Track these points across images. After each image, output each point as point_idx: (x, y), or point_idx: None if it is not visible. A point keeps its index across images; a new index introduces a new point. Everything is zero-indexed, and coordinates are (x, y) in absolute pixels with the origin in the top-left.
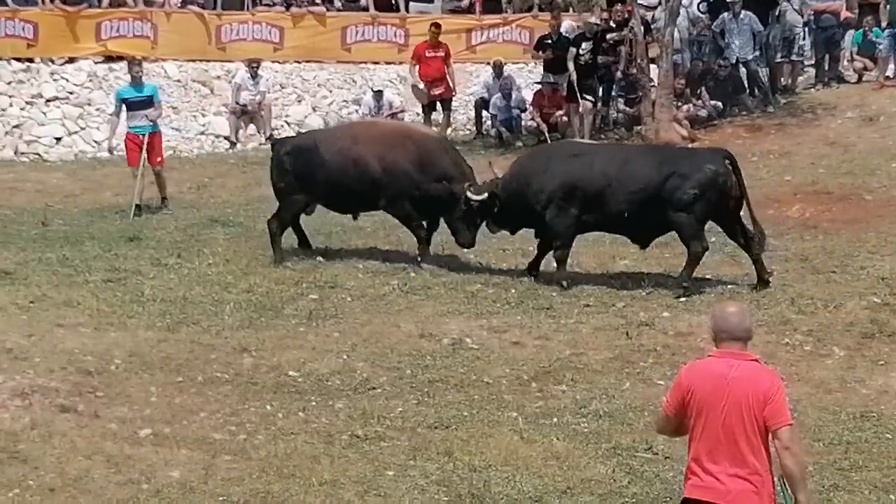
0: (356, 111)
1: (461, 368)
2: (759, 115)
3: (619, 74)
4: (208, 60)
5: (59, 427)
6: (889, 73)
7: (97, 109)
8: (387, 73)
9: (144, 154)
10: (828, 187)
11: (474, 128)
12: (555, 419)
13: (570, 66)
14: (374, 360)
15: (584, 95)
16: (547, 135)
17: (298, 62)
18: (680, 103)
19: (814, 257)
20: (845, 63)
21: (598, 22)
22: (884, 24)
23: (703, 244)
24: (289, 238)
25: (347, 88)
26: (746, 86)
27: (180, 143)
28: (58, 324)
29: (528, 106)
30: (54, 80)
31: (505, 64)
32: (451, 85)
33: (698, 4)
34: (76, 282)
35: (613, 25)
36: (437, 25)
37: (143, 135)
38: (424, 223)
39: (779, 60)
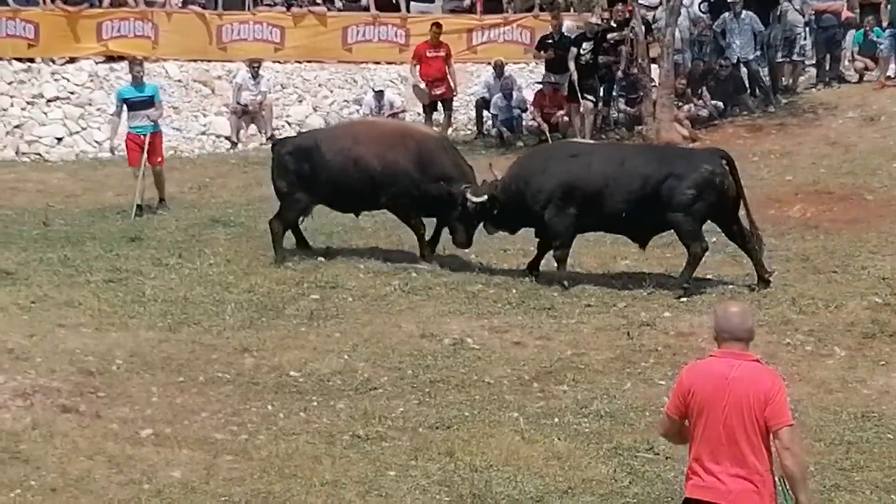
0: (357, 111)
1: (462, 368)
2: (760, 115)
3: (619, 74)
4: (209, 60)
5: (60, 427)
6: (890, 72)
7: (98, 109)
8: (388, 73)
9: (145, 154)
10: (829, 187)
11: (475, 128)
12: (556, 419)
13: (571, 65)
14: (375, 360)
15: (585, 95)
16: (548, 135)
17: (299, 62)
18: (681, 103)
19: (815, 257)
20: (846, 63)
21: (599, 22)
22: (885, 24)
23: (702, 244)
24: (288, 239)
25: (348, 88)
26: (747, 86)
27: (181, 143)
28: (59, 324)
29: (529, 106)
30: (55, 80)
31: (506, 64)
32: (452, 85)
33: (699, 4)
34: (77, 282)
35: (614, 25)
36: (439, 25)
37: (145, 135)
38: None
39: (780, 60)
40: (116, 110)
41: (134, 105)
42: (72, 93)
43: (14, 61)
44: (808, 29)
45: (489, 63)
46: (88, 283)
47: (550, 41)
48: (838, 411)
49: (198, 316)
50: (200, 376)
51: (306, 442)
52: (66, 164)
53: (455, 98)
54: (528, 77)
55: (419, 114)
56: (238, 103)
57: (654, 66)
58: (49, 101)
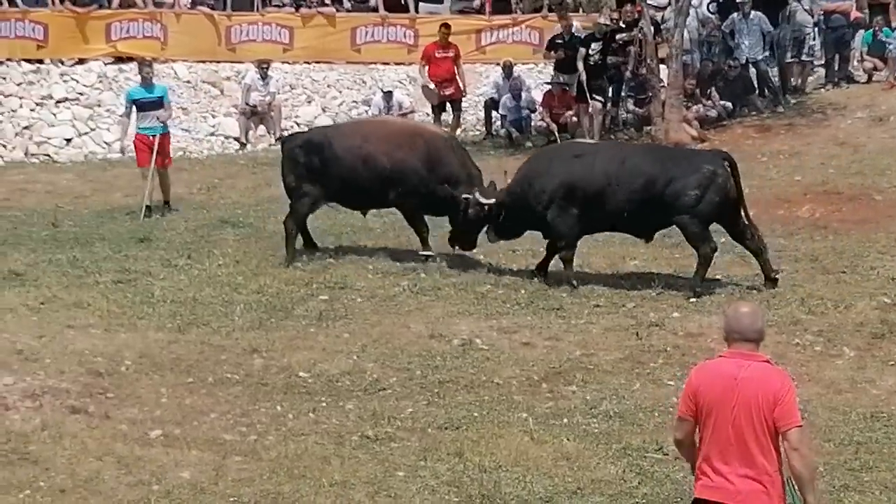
0: (366, 112)
1: (471, 369)
2: (769, 116)
3: (628, 75)
4: (218, 61)
5: (69, 428)
6: None
7: (107, 110)
8: (396, 74)
9: (154, 155)
10: (838, 187)
11: (484, 128)
12: (565, 420)
13: (580, 66)
14: (384, 360)
15: (594, 96)
16: (557, 135)
17: (308, 63)
18: (690, 104)
19: (824, 257)
20: (855, 63)
21: (608, 22)
22: (894, 25)
23: (711, 245)
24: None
25: (357, 89)
26: (756, 86)
27: (190, 144)
28: (68, 325)
29: (537, 106)
30: (64, 81)
31: (514, 64)
32: (461, 86)
33: (708, 5)
34: (86, 283)
35: (623, 26)
36: (448, 26)
37: (154, 136)
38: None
39: (789, 61)
40: (126, 111)
41: (143, 106)
42: (81, 94)
43: (23, 62)
44: (817, 29)
45: (498, 63)
46: (97, 283)
47: (560, 41)
48: (847, 412)
49: (207, 317)
50: (210, 377)
51: (315, 442)
52: (74, 165)
53: (464, 98)
54: (537, 77)
55: (428, 114)
56: (247, 104)
57: (662, 67)
58: (58, 102)
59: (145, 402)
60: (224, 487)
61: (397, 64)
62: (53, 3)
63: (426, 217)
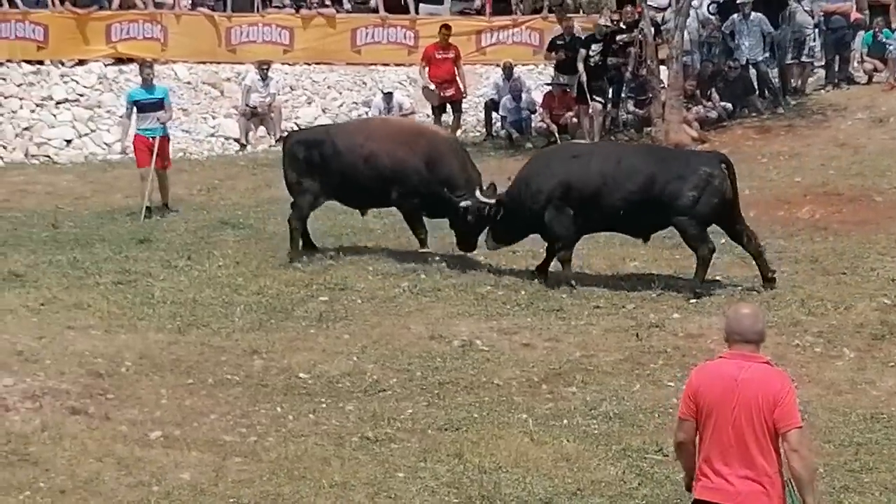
0: (366, 113)
1: (471, 370)
2: (769, 117)
3: (628, 76)
4: (218, 62)
5: (69, 429)
6: None
7: (107, 111)
8: (397, 75)
9: (154, 157)
10: (838, 189)
11: (484, 129)
12: (565, 421)
13: (580, 67)
14: (384, 361)
15: (594, 97)
16: (557, 136)
17: (308, 64)
18: (690, 105)
19: (824, 259)
20: (855, 64)
21: (608, 23)
22: (894, 26)
23: (709, 246)
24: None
25: (357, 90)
26: (756, 87)
27: (190, 145)
28: (68, 326)
29: (537, 107)
30: (64, 82)
31: (515, 65)
32: (461, 87)
33: (708, 6)
34: (86, 284)
35: (623, 27)
36: (448, 27)
37: (154, 137)
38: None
39: (789, 62)
40: (127, 112)
41: (144, 107)
42: (81, 95)
43: (23, 63)
44: (817, 30)
45: (498, 65)
46: (97, 285)
47: (561, 42)
48: (847, 413)
49: (207, 318)
50: (209, 378)
51: (315, 444)
52: (75, 166)
53: (464, 100)
54: (537, 79)
55: (428, 115)
56: (247, 105)
57: (662, 68)
58: (58, 103)
59: (145, 404)
60: (224, 489)
61: (397, 65)
62: (54, 4)
63: (426, 219)
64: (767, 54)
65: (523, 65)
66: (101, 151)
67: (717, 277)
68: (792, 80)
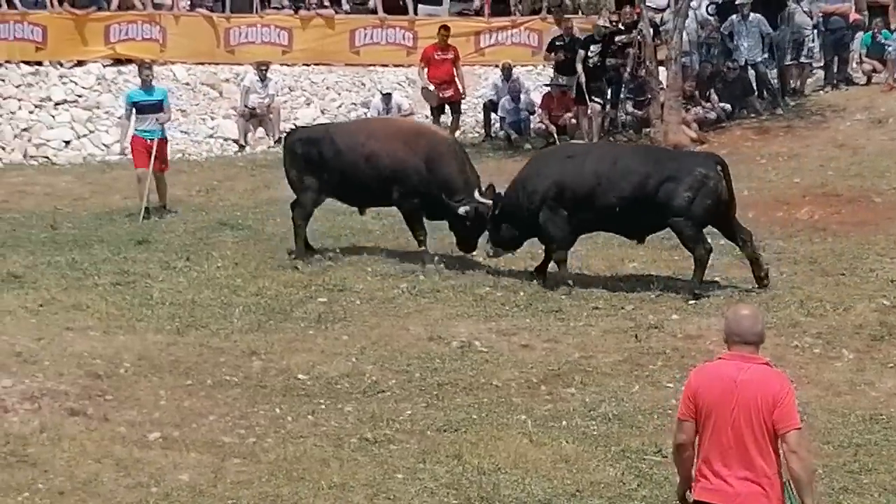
0: (365, 114)
1: (470, 371)
2: (768, 118)
3: (627, 77)
4: (217, 63)
5: (68, 430)
6: None
7: (106, 112)
8: (395, 76)
9: (153, 159)
10: (837, 189)
11: (483, 130)
12: (564, 422)
13: (579, 68)
14: (383, 363)
15: (593, 98)
16: (556, 137)
17: (307, 65)
18: (689, 106)
19: (823, 260)
20: (854, 65)
21: (607, 24)
22: (893, 27)
23: (705, 246)
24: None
25: (356, 91)
26: (755, 88)
27: (189, 146)
28: (67, 327)
29: (536, 108)
30: (63, 83)
31: (513, 66)
32: (460, 88)
33: (707, 6)
34: (85, 285)
35: (622, 28)
36: (447, 28)
37: (152, 139)
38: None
39: (788, 63)
40: (126, 113)
41: (143, 109)
42: (80, 96)
43: (22, 64)
44: (816, 31)
45: (497, 65)
46: (96, 286)
47: (560, 43)
48: (846, 414)
49: (205, 319)
50: (208, 379)
51: (314, 445)
52: (73, 167)
53: (463, 100)
54: (536, 79)
55: (427, 116)
56: (246, 106)
57: (661, 69)
58: (57, 104)
59: (144, 405)
60: (223, 490)
61: (396, 66)
62: (52, 4)
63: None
64: (766, 55)
65: (522, 66)
66: (99, 152)
67: (716, 279)
68: (791, 81)
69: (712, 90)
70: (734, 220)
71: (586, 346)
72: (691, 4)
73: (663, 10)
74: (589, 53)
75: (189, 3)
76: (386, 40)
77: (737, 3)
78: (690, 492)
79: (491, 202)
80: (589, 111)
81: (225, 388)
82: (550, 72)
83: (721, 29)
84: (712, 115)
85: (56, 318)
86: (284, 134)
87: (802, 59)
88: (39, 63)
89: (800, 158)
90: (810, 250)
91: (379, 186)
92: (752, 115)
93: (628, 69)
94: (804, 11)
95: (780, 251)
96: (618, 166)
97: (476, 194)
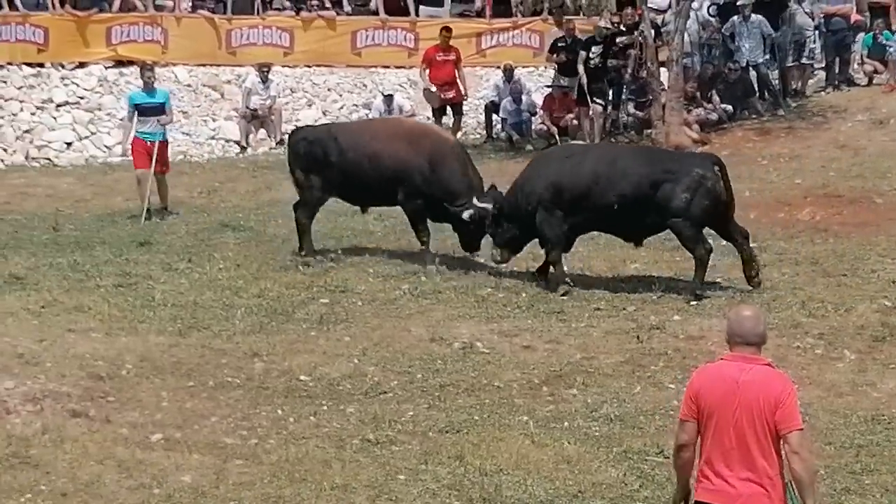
0: (366, 115)
1: (472, 372)
2: (770, 119)
3: (628, 78)
4: (218, 65)
5: (70, 432)
6: None
7: (108, 114)
8: (397, 78)
9: (154, 161)
10: (838, 190)
11: (484, 132)
12: (566, 423)
13: (580, 69)
14: (384, 364)
15: (595, 99)
16: (557, 138)
17: (308, 66)
18: (690, 107)
19: (824, 260)
20: (856, 66)
21: (609, 25)
22: (894, 27)
23: (705, 246)
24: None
25: (358, 93)
26: (757, 89)
27: (191, 148)
28: (69, 329)
29: (538, 109)
30: (65, 84)
31: (515, 68)
32: (462, 89)
33: (708, 8)
34: (87, 287)
35: (623, 29)
36: (449, 29)
37: (152, 142)
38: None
39: (789, 64)
40: (129, 115)
41: (144, 111)
42: (81, 97)
43: (24, 66)
44: (817, 32)
45: (498, 67)
46: (98, 287)
47: (563, 44)
48: (848, 415)
49: (207, 320)
50: (210, 381)
51: (316, 446)
52: (75, 168)
53: (464, 102)
54: (538, 81)
55: (428, 118)
56: (247, 108)
57: (663, 70)
58: (58, 105)
59: (146, 406)
60: (225, 491)
61: (398, 67)
62: (54, 6)
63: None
64: (768, 56)
65: (523, 67)
66: (101, 154)
67: (718, 279)
68: (792, 82)
69: (714, 91)
70: (732, 219)
71: (588, 347)
72: (693, 5)
73: (665, 12)
74: (590, 55)
75: (190, 4)
76: (387, 42)
77: (738, 4)
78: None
79: (490, 206)
80: (590, 112)
81: (227, 389)
82: (552, 73)
83: (722, 30)
84: (714, 117)
85: (58, 319)
86: (288, 133)
87: (804, 60)
88: (41, 65)
89: (801, 159)
90: (812, 251)
91: (383, 186)
92: (754, 116)
93: (630, 70)
94: (805, 12)
95: (782, 252)
96: (615, 167)
97: (475, 200)
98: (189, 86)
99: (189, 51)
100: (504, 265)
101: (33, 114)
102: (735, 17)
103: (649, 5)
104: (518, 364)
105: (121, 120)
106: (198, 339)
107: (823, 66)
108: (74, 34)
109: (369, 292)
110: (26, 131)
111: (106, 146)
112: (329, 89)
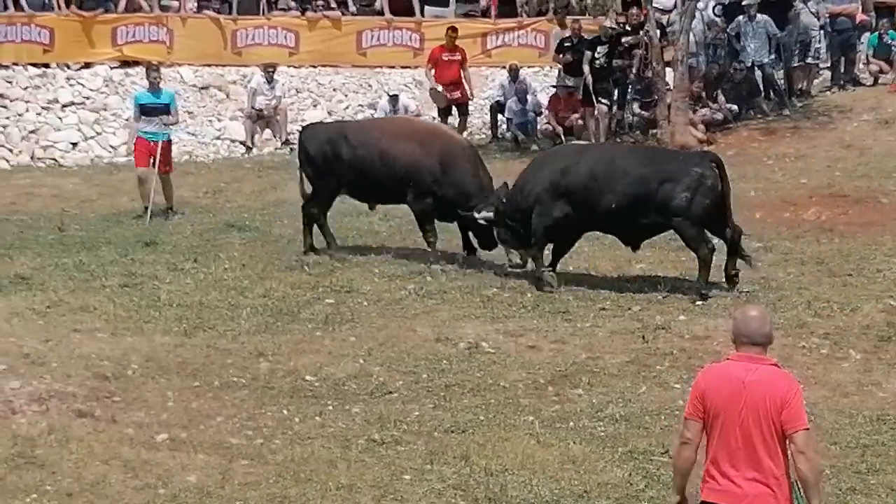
0: (372, 115)
1: (477, 372)
2: (775, 119)
3: (634, 78)
4: (224, 65)
5: (76, 432)
6: None
7: (113, 114)
8: (402, 78)
9: (157, 162)
10: (843, 190)
11: (490, 132)
12: (571, 423)
13: (586, 69)
14: (390, 364)
15: (600, 99)
16: (563, 138)
17: (314, 67)
18: (696, 107)
19: (830, 260)
20: (861, 66)
21: (614, 25)
22: None
23: (708, 245)
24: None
25: (363, 93)
26: (762, 89)
27: (196, 148)
28: (74, 329)
29: (543, 109)
30: (70, 85)
31: (520, 67)
32: (467, 90)
33: (713, 7)
34: (93, 287)
35: (629, 29)
36: (454, 29)
37: (155, 142)
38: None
39: (795, 64)
40: (135, 115)
41: (150, 111)
42: (87, 98)
43: (29, 66)
44: (822, 32)
45: (504, 67)
46: (104, 287)
47: (569, 44)
48: (854, 414)
49: (213, 320)
50: (216, 381)
51: (322, 446)
52: (81, 168)
53: (470, 102)
54: (543, 81)
55: (434, 118)
56: (253, 108)
57: (668, 70)
58: (64, 106)
59: (151, 406)
60: (230, 491)
61: (403, 67)
62: (59, 7)
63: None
64: (773, 56)
65: (529, 67)
66: (106, 154)
67: (723, 280)
68: (797, 82)
69: (719, 91)
70: (730, 217)
71: (593, 347)
72: (698, 5)
73: (670, 12)
74: (595, 55)
75: (196, 4)
76: (393, 42)
77: (743, 3)
78: None
79: (491, 214)
80: (596, 112)
81: (232, 389)
82: (557, 73)
83: (728, 30)
84: (719, 116)
85: (63, 319)
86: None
87: (809, 60)
88: (47, 65)
89: (806, 159)
90: (817, 251)
91: (393, 185)
92: (759, 115)
93: (635, 70)
94: (811, 12)
95: (787, 252)
96: (613, 166)
97: (475, 213)
98: (194, 86)
99: (194, 51)
100: (520, 269)
101: (39, 114)
102: (740, 17)
103: (654, 5)
104: (523, 364)
105: (126, 120)
106: (203, 340)
107: (829, 65)
108: (80, 35)
109: (375, 292)
110: (32, 132)
111: (111, 146)
112: (334, 89)
